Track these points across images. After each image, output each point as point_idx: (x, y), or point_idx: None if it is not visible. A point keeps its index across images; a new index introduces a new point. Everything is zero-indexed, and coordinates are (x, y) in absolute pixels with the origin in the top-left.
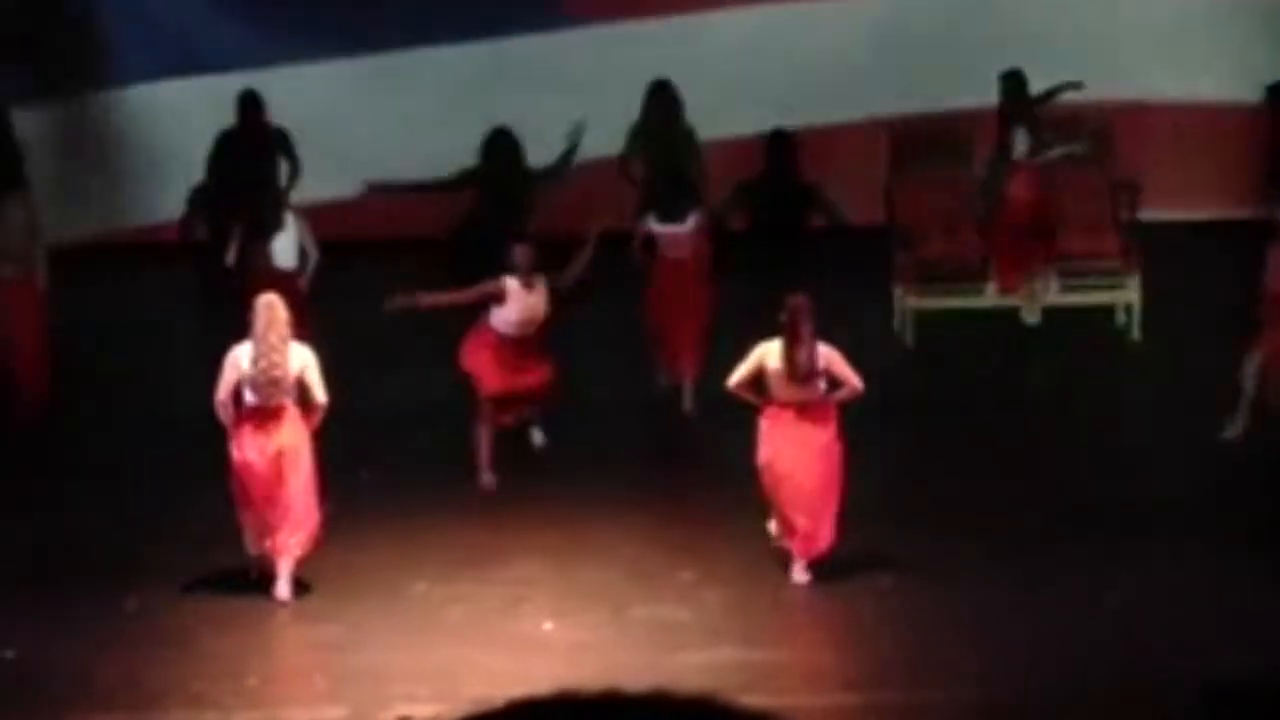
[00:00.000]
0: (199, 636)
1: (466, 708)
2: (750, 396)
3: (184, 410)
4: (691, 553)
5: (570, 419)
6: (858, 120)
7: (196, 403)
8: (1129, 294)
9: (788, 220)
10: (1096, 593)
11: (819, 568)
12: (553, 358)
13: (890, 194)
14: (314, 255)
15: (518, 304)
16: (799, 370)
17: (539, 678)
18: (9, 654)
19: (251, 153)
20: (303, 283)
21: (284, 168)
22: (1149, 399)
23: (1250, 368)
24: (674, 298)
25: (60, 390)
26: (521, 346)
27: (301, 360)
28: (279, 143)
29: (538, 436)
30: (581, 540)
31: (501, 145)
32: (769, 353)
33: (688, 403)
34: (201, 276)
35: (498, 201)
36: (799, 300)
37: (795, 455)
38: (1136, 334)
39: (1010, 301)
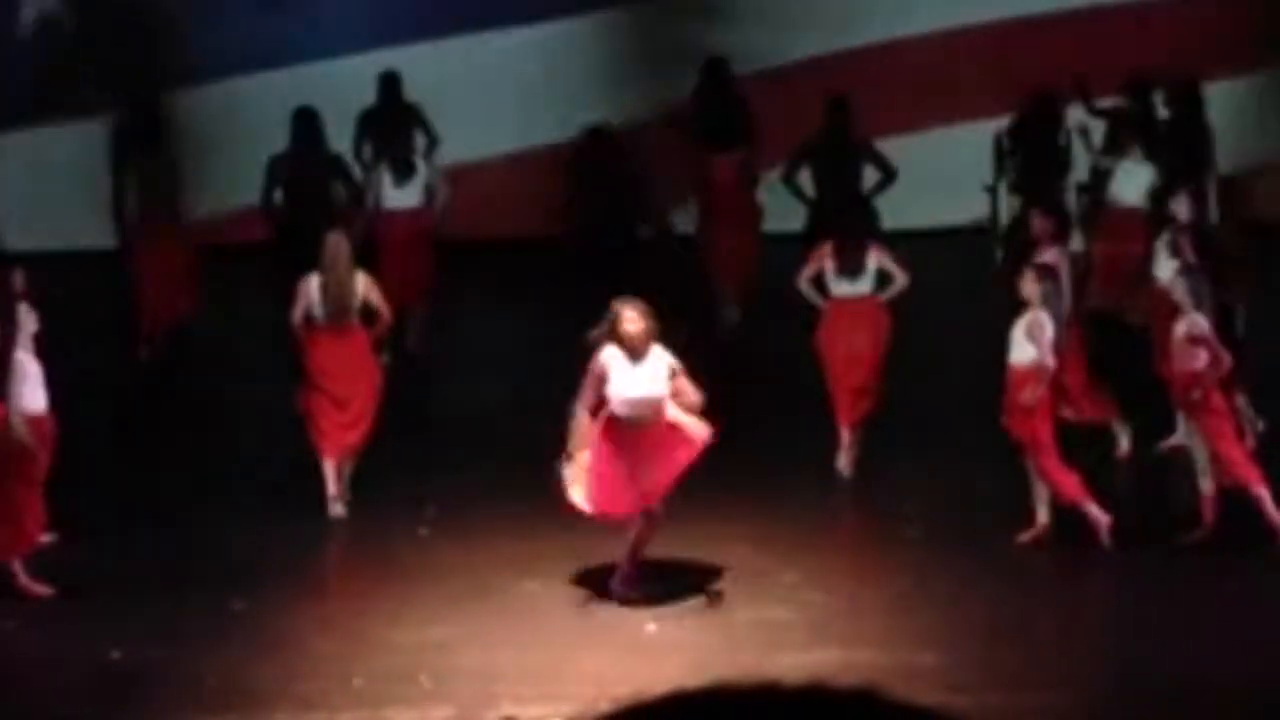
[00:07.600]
0: (305, 637)
1: (571, 708)
2: (813, 295)
3: (290, 408)
4: (795, 554)
5: None
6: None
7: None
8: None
9: (847, 175)
10: (1207, 598)
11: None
12: None
13: (992, 196)
14: (444, 194)
15: None
16: (845, 263)
17: (644, 678)
18: (115, 654)
19: (391, 127)
20: (430, 216)
21: (420, 139)
22: (1259, 401)
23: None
24: (724, 215)
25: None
26: None
27: (365, 283)
28: (415, 117)
29: None
30: (686, 541)
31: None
32: (826, 254)
33: (736, 316)
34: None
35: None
36: (848, 214)
37: (848, 334)
38: (1241, 332)
39: (1113, 302)
